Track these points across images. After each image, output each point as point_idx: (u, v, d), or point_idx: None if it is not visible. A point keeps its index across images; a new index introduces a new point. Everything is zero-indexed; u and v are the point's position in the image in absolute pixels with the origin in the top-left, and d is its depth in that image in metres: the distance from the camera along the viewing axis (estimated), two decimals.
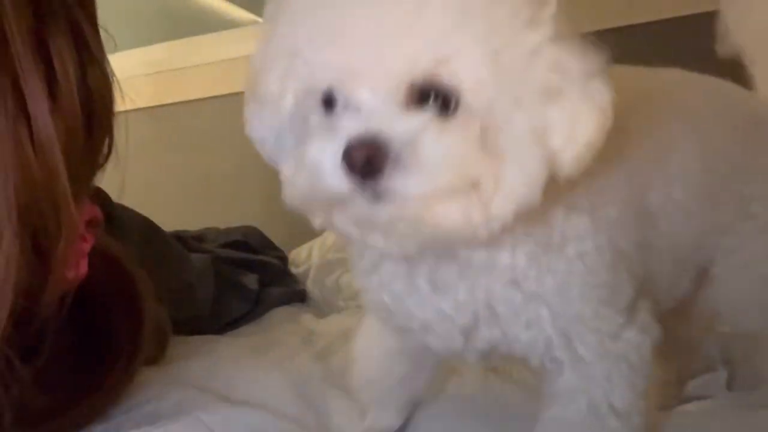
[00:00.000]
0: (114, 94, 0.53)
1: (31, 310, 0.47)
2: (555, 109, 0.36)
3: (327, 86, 0.38)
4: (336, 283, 1.16)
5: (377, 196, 0.35)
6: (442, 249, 0.42)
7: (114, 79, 0.53)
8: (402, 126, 0.35)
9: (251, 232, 1.32)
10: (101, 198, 0.95)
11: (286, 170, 0.39)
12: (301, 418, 0.58)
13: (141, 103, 1.79)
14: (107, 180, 0.57)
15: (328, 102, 0.38)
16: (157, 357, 0.78)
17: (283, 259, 1.31)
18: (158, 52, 1.86)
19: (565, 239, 0.43)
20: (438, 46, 0.35)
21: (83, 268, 0.54)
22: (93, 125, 0.50)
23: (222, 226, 1.33)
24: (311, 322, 1.01)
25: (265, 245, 1.30)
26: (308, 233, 1.43)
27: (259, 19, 1.83)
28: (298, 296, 1.17)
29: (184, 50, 1.83)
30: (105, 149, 0.54)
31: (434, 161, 0.34)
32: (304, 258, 1.35)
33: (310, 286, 1.20)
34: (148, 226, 1.01)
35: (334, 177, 0.35)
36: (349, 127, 0.35)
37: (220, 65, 1.73)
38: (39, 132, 0.44)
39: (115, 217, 0.93)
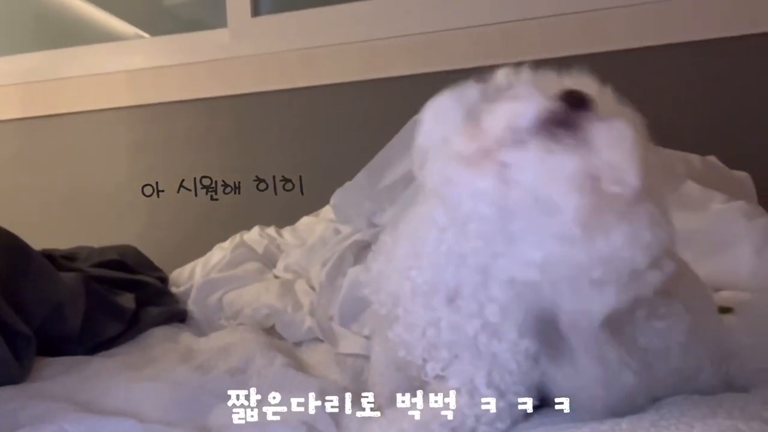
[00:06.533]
0: None
1: None
2: None
3: None
4: (219, 301, 1.15)
5: None
6: None
7: None
8: None
9: (128, 251, 1.26)
10: None
11: None
12: (177, 423, 0.57)
13: (8, 115, 1.67)
14: None
15: None
16: (19, 376, 0.74)
17: (164, 279, 1.27)
18: (30, 62, 1.75)
19: None
20: None
21: None
22: None
23: (98, 245, 1.27)
24: (191, 340, 0.99)
25: (144, 265, 1.25)
26: (190, 254, 1.41)
27: (144, 34, 1.78)
28: (178, 316, 1.13)
29: (58, 61, 1.73)
30: None
31: None
32: (186, 278, 1.32)
33: (191, 305, 1.17)
34: (12, 242, 0.94)
35: None
36: None
37: (97, 78, 1.65)
38: None
39: None
